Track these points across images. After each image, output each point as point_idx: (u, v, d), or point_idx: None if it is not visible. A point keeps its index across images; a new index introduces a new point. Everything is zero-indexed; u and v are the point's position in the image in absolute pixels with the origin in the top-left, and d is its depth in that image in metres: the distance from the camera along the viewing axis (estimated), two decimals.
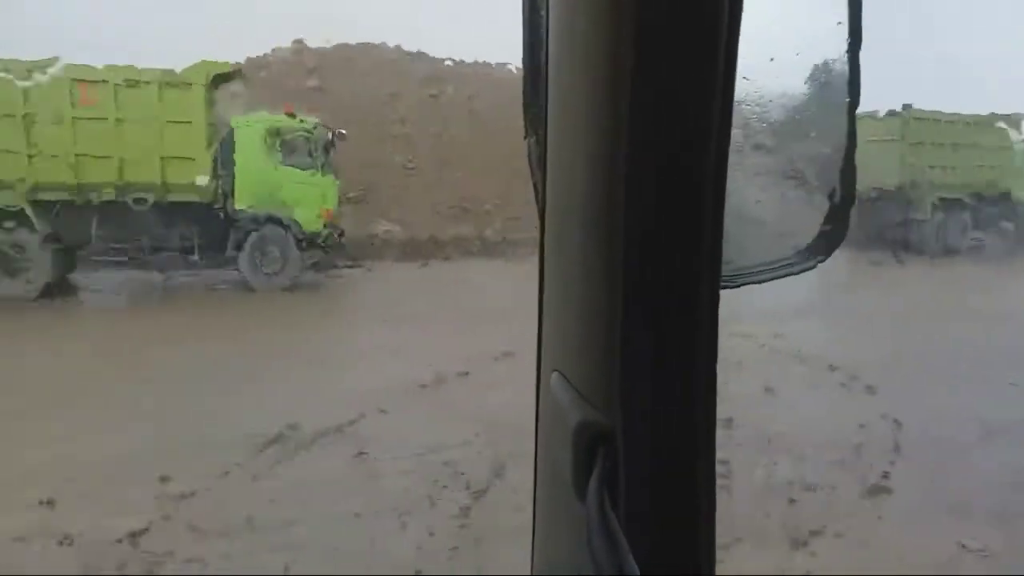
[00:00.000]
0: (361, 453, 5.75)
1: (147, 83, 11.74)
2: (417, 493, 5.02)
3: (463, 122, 20.40)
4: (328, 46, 22.85)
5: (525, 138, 0.94)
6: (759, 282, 0.83)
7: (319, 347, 9.67)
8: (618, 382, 0.64)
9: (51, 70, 11.43)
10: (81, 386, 7.57)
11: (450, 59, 24.30)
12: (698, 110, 0.61)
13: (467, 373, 7.86)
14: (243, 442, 5.92)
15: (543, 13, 0.85)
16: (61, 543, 4.45)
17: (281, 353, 9.10)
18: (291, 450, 5.88)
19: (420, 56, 23.64)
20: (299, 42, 23.06)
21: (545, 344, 0.82)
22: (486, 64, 24.36)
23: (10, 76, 11.12)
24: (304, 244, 12.90)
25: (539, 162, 0.87)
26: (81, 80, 11.41)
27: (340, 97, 19.36)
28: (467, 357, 8.25)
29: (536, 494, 0.87)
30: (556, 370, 0.75)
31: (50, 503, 4.94)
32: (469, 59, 24.34)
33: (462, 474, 5.29)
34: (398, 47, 23.70)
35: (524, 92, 0.95)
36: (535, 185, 0.89)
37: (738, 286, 0.79)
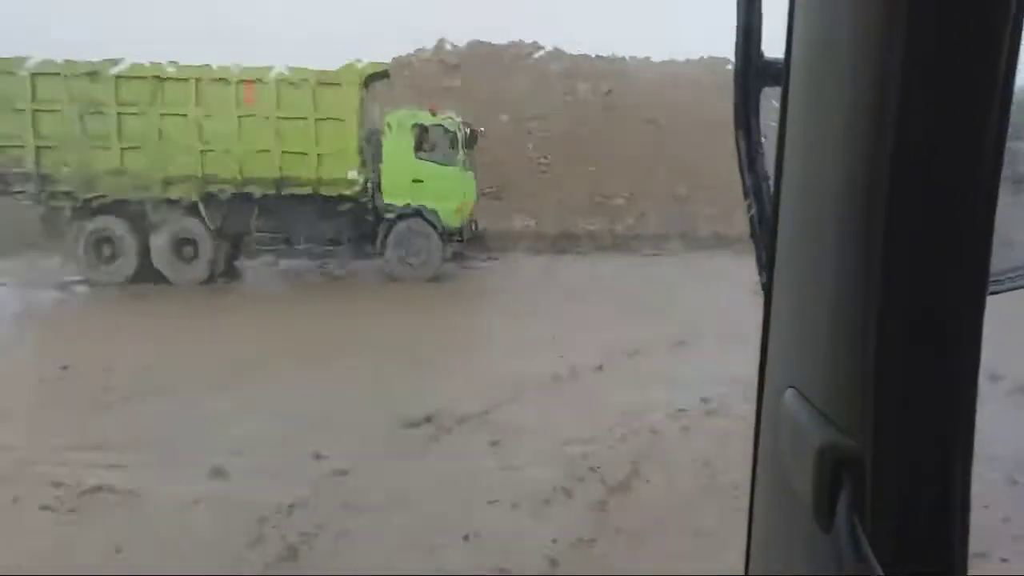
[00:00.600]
0: (497, 442, 5.90)
1: (304, 83, 12.49)
2: (553, 484, 5.11)
3: (598, 117, 20.34)
4: (469, 45, 23.38)
5: (735, 130, 0.89)
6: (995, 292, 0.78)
7: (457, 336, 9.98)
8: (870, 402, 0.60)
9: (218, 72, 12.39)
10: (243, 364, 8.19)
11: (587, 54, 24.25)
12: (972, 111, 0.57)
13: (601, 367, 7.88)
14: (389, 424, 6.23)
15: (759, 8, 0.82)
16: (228, 509, 4.85)
17: (421, 340, 9.46)
18: (433, 434, 6.12)
19: (557, 53, 23.74)
20: (441, 42, 23.72)
21: (774, 358, 0.77)
22: (622, 59, 24.14)
23: (186, 78, 12.14)
24: (444, 237, 13.33)
25: (750, 165, 0.84)
26: (246, 81, 12.31)
27: (479, 94, 19.77)
28: (600, 351, 8.27)
29: (753, 515, 0.83)
30: (791, 387, 0.71)
31: (221, 473, 5.41)
32: (606, 54, 24.22)
33: (598, 468, 5.33)
34: (535, 43, 23.90)
35: (736, 91, 0.89)
36: (745, 190, 0.86)
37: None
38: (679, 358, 8.34)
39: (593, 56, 24.01)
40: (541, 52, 23.67)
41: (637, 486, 5.13)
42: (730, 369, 7.70)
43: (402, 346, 9.11)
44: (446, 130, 13.48)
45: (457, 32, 24.52)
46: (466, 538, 4.48)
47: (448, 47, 23.41)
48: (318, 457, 5.59)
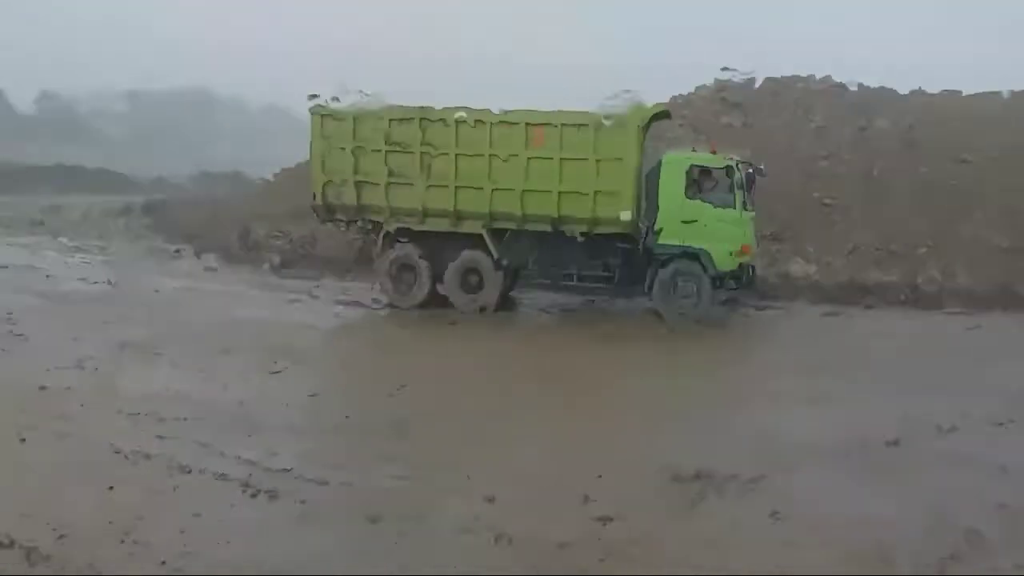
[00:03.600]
0: (776, 512, 5.45)
1: (586, 125, 12.85)
2: (844, 571, 4.57)
3: (897, 155, 18.46)
4: (752, 81, 22.64)
5: None
6: None
7: (726, 388, 9.49)
8: None
9: (509, 116, 13.18)
10: (521, 394, 8.50)
11: (886, 87, 22.32)
12: None
13: (897, 443, 6.98)
14: (659, 475, 6.04)
15: None
16: (497, 540, 4.97)
17: (687, 389, 9.15)
18: (705, 493, 5.82)
19: (850, 86, 22.12)
20: (723, 79, 23.19)
21: None
22: (925, 92, 21.86)
23: (482, 121, 13.06)
24: (717, 281, 12.87)
25: None
26: (533, 124, 12.95)
27: (763, 132, 18.96)
28: (898, 423, 7.34)
29: None
30: None
31: (491, 500, 5.58)
32: (907, 88, 22.13)
33: (896, 560, 4.69)
34: (827, 78, 22.46)
35: None
36: None
37: None
38: (1001, 442, 7.12)
39: (892, 90, 22.04)
40: (832, 86, 22.19)
41: None
42: None
43: (665, 394, 8.87)
44: (724, 170, 13.07)
45: (740, 67, 23.77)
46: None
47: (730, 84, 22.86)
48: (586, 500, 5.57)
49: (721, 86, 22.72)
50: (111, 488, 5.57)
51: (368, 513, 5.30)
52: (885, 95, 21.91)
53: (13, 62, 47.35)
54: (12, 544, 4.65)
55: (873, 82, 22.59)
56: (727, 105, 21.63)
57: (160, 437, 6.50)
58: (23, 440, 6.42)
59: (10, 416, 6.86)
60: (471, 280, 13.34)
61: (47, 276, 14.79)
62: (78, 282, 14.49)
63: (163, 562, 4.53)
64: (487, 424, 7.47)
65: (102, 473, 5.89)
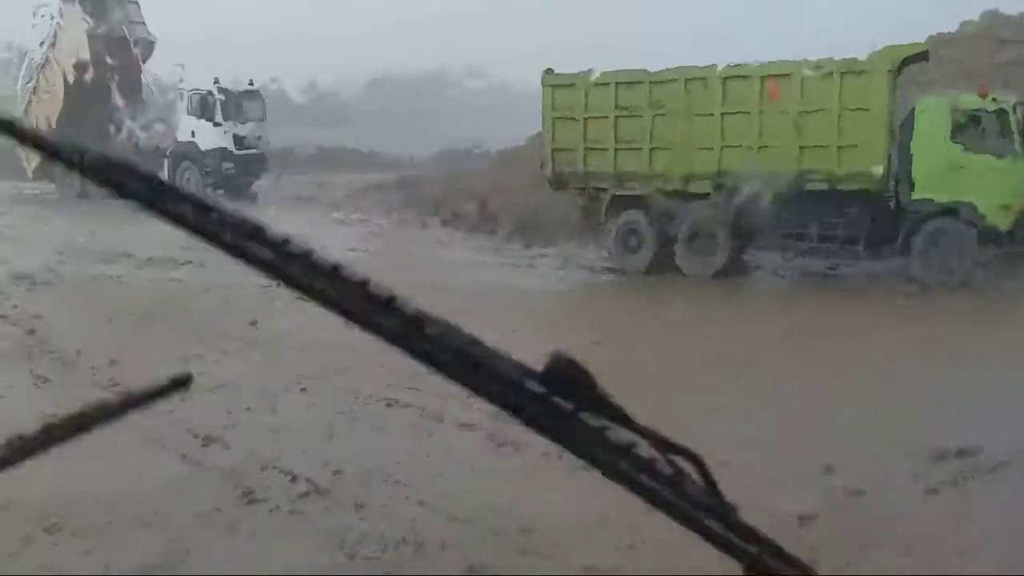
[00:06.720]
0: None
1: (830, 74, 11.93)
2: None
3: None
4: None
5: None
6: None
7: (1005, 360, 8.41)
8: None
9: (744, 70, 12.58)
10: (742, 359, 8.20)
11: None
12: None
13: None
14: (914, 450, 5.60)
15: None
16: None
17: (956, 360, 8.28)
18: (966, 472, 5.30)
19: None
20: (991, 12, 20.42)
21: None
22: None
23: (711, 77, 12.59)
24: (986, 237, 11.46)
25: None
26: (770, 76, 12.25)
27: None
28: None
29: None
30: None
31: (725, 464, 5.50)
32: None
33: None
34: None
35: None
36: None
37: None
38: None
39: None
40: None
41: None
42: None
43: (918, 367, 8.09)
44: (995, 113, 11.55)
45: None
46: None
47: (1000, 17, 20.04)
48: (828, 471, 5.30)
49: (990, 19, 19.99)
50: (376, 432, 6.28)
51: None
52: None
53: (286, 56, 53.31)
54: (295, 478, 5.35)
55: None
56: (999, 42, 18.98)
57: (415, 389, 7.15)
58: (303, 389, 7.35)
59: (294, 368, 7.90)
60: (698, 243, 13.00)
61: (322, 247, 16.52)
62: (348, 251, 16.08)
63: (421, 502, 5.01)
64: (713, 391, 7.30)
65: (368, 419, 6.61)
